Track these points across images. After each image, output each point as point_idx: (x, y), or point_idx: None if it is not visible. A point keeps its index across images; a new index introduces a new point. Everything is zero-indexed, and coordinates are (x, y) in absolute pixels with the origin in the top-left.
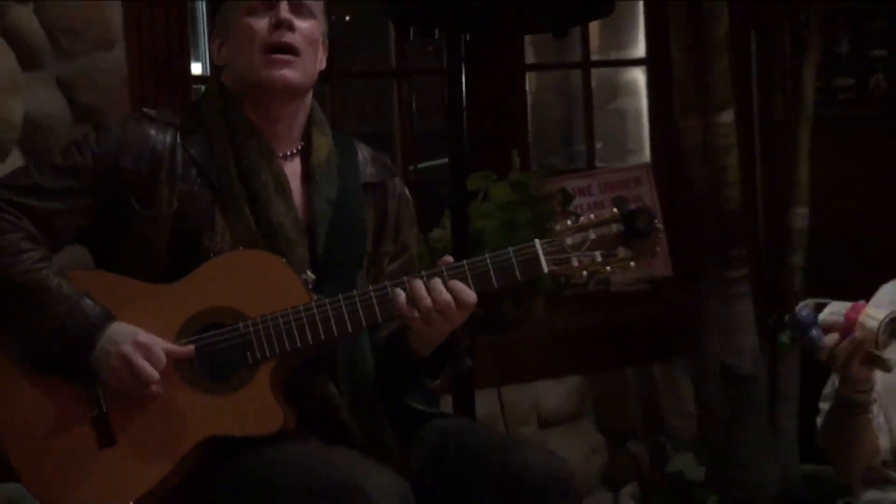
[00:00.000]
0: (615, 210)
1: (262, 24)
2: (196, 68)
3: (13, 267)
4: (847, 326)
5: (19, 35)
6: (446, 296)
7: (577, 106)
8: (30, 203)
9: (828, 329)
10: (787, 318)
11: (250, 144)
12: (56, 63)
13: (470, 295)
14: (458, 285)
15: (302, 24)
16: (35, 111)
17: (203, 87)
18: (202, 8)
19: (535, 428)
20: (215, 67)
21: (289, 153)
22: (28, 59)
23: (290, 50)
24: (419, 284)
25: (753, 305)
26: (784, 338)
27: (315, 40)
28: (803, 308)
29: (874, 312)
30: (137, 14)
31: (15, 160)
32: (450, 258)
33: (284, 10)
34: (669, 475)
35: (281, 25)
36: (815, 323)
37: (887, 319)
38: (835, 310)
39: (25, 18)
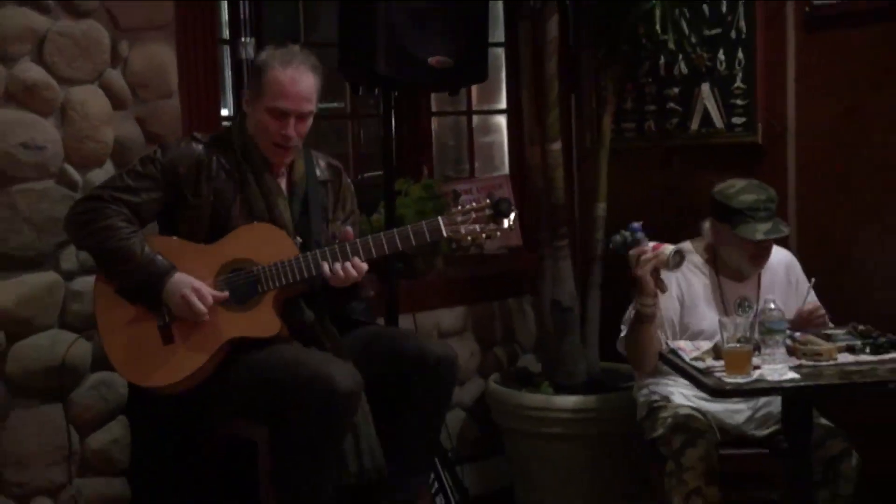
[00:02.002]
0: (488, 200)
1: (274, 126)
2: (224, 112)
3: (113, 238)
4: (655, 249)
5: (111, 88)
6: (352, 271)
7: (463, 138)
8: (123, 197)
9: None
10: (622, 231)
11: (262, 169)
12: (135, 106)
13: (361, 269)
14: (358, 263)
15: (300, 125)
16: (121, 136)
17: (229, 124)
18: (228, 73)
19: (436, 339)
20: (242, 111)
21: (281, 172)
22: (117, 103)
23: (288, 147)
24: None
25: (571, 263)
26: (618, 237)
27: (308, 127)
28: (638, 226)
29: (668, 246)
30: (187, 76)
31: (108, 167)
32: (349, 230)
33: (292, 127)
34: (519, 369)
35: (286, 138)
36: (642, 232)
37: (674, 250)
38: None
39: (116, 77)
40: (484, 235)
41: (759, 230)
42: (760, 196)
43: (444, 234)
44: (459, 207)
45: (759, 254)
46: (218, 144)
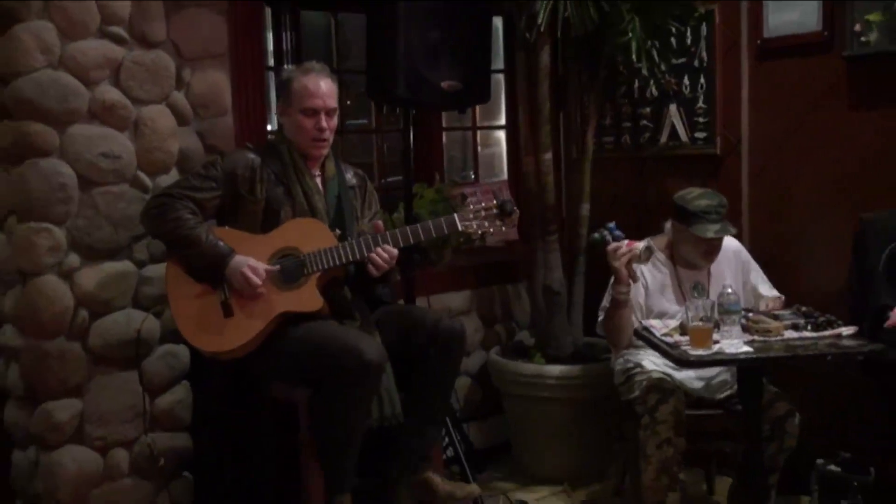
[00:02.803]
0: (495, 201)
1: (309, 123)
2: (269, 127)
3: (182, 227)
4: (629, 245)
5: (176, 107)
6: (385, 254)
7: (469, 149)
8: (189, 195)
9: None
10: (601, 229)
11: (303, 170)
12: (196, 122)
13: (394, 254)
14: (390, 249)
15: (330, 120)
16: (184, 148)
17: (272, 137)
18: (273, 95)
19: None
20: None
21: (316, 174)
22: (181, 120)
23: (325, 139)
24: (379, 249)
25: (560, 255)
26: (597, 235)
27: (335, 124)
28: (614, 226)
29: (640, 243)
30: (239, 97)
31: (174, 173)
32: (381, 223)
33: (324, 121)
34: (515, 343)
35: (321, 130)
36: (619, 231)
37: (645, 246)
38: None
39: (180, 98)
40: (491, 230)
41: (711, 230)
42: (713, 202)
43: (459, 228)
44: (472, 207)
45: (710, 250)
46: (267, 153)
